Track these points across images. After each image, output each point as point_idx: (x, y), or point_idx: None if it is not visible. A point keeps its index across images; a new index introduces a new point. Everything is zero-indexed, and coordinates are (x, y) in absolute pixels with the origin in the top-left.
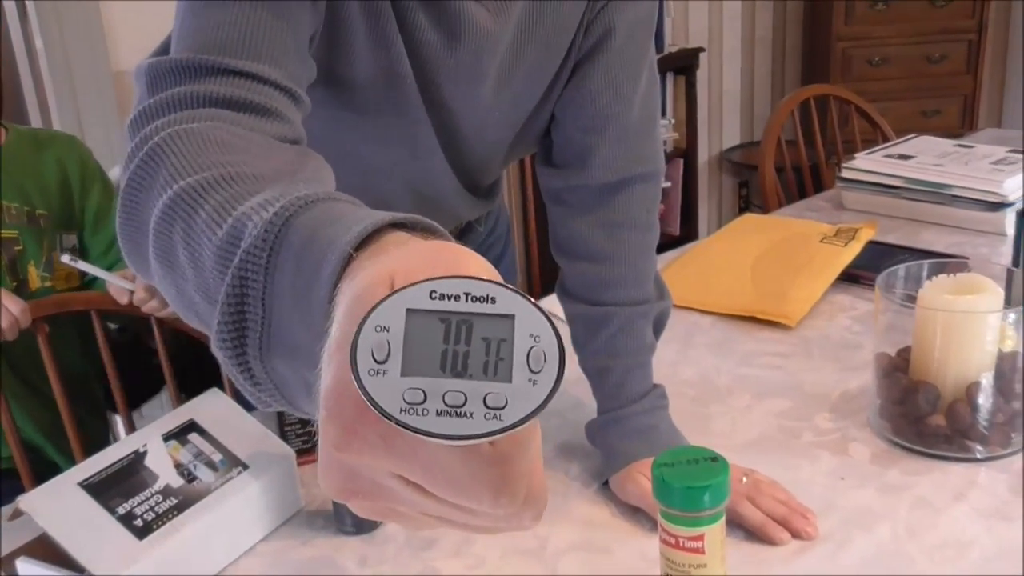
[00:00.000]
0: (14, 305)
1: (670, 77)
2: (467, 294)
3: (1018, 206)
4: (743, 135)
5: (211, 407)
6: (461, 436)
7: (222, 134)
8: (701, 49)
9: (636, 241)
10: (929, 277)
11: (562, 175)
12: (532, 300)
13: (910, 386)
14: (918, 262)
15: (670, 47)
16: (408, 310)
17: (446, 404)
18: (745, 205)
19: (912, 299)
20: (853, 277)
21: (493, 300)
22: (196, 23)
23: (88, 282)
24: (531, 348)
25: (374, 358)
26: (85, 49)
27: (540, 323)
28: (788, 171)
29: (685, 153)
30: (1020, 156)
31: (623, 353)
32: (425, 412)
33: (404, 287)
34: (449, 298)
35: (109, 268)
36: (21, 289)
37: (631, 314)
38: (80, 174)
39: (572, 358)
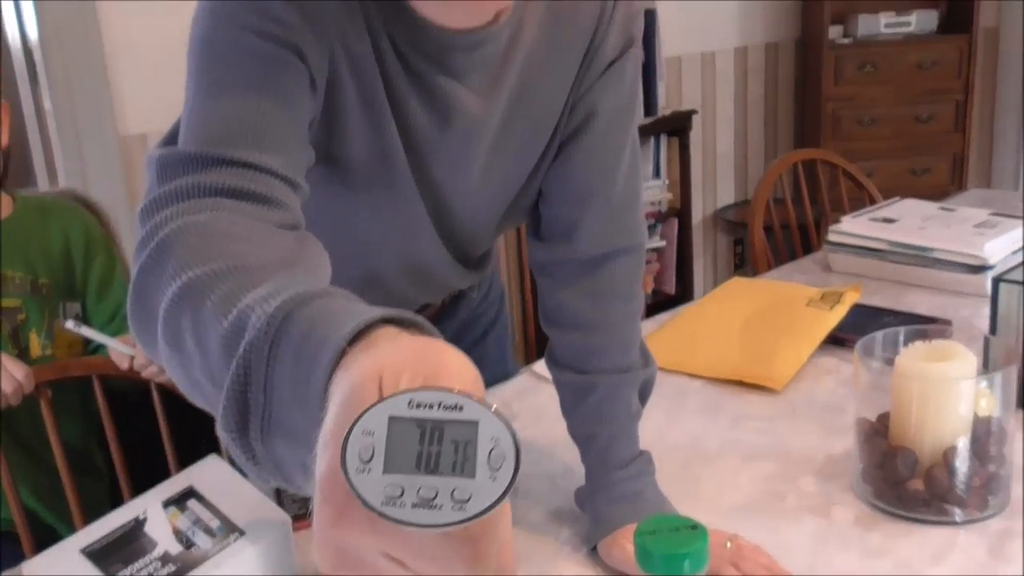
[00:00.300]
0: (18, 370)
1: (664, 139)
2: (440, 403)
3: (996, 270)
4: (737, 194)
5: (210, 473)
6: (432, 525)
7: (226, 225)
8: (694, 111)
9: (621, 311)
10: (906, 343)
11: (549, 248)
12: (494, 407)
13: (889, 451)
14: (894, 329)
15: (663, 110)
16: (390, 417)
17: (420, 497)
18: (740, 263)
19: (892, 364)
20: (839, 340)
21: (461, 408)
22: (203, 114)
23: (91, 350)
24: (492, 449)
25: (360, 459)
26: (93, 112)
27: (500, 428)
28: (777, 230)
29: (680, 213)
30: (1001, 219)
31: (609, 420)
32: (403, 504)
33: (388, 396)
34: (425, 407)
35: (113, 336)
36: (22, 357)
37: (617, 382)
38: (84, 242)
39: (561, 424)
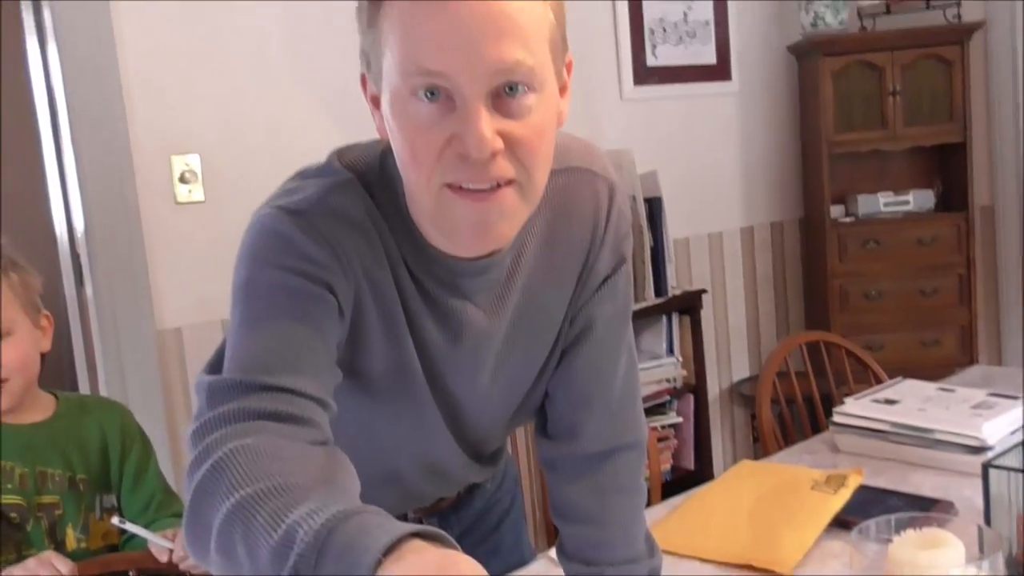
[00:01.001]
0: (64, 566)
1: (675, 317)
2: None
3: (995, 451)
4: (752, 368)
5: None
6: None
7: (269, 447)
8: (703, 291)
9: (624, 504)
10: (898, 531)
11: (555, 445)
12: None
13: None
14: (887, 516)
15: (673, 290)
16: None
17: None
18: (757, 436)
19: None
20: (844, 523)
21: None
22: (246, 345)
23: (125, 541)
24: None
25: None
26: (132, 306)
27: None
28: (783, 406)
29: (695, 389)
30: (999, 399)
31: None
32: None
33: None
34: None
35: (146, 526)
36: (58, 551)
37: (623, 572)
38: (120, 437)
39: None
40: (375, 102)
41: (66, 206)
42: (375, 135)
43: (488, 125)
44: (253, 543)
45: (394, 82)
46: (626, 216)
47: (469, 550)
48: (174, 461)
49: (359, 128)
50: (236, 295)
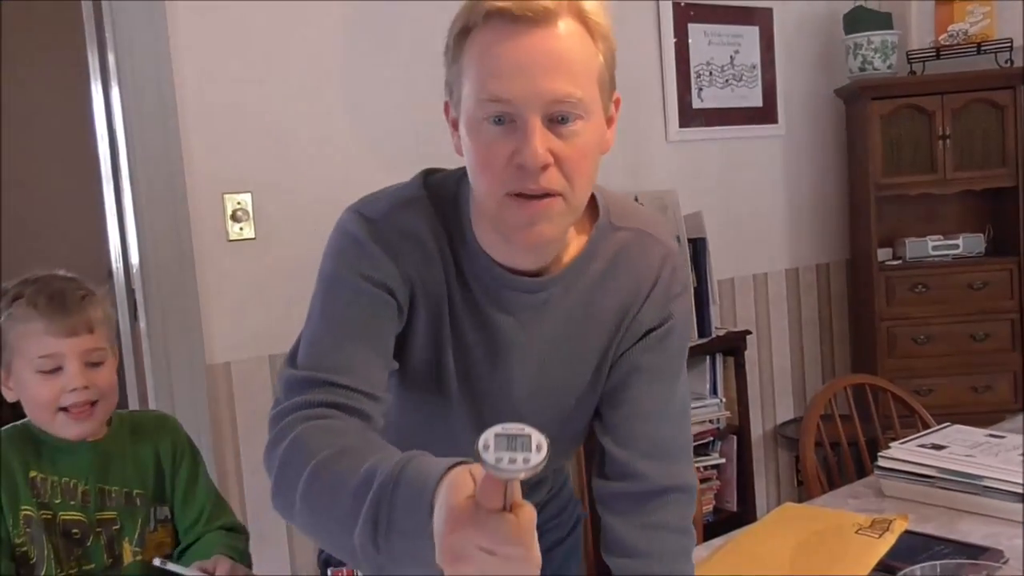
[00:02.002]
0: None
1: (719, 358)
2: (513, 429)
3: None
4: (796, 410)
5: None
6: (515, 471)
7: (335, 426)
8: (748, 332)
9: (672, 542)
10: None
11: (608, 484)
12: (534, 431)
13: None
14: (932, 563)
15: (717, 330)
16: (495, 434)
17: (509, 462)
18: (801, 479)
19: None
20: (889, 568)
21: (523, 429)
22: (318, 344)
23: (180, 552)
24: (537, 445)
25: (483, 448)
26: (184, 341)
27: (539, 437)
28: (828, 450)
29: (739, 430)
30: None
31: None
32: (500, 463)
33: (493, 428)
34: (508, 431)
35: (196, 540)
36: (115, 565)
37: None
38: (172, 451)
39: None
40: (454, 125)
41: (122, 242)
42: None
43: (541, 142)
44: (337, 488)
45: (470, 107)
46: (680, 279)
47: None
48: (221, 488)
49: (409, 168)
50: (319, 284)
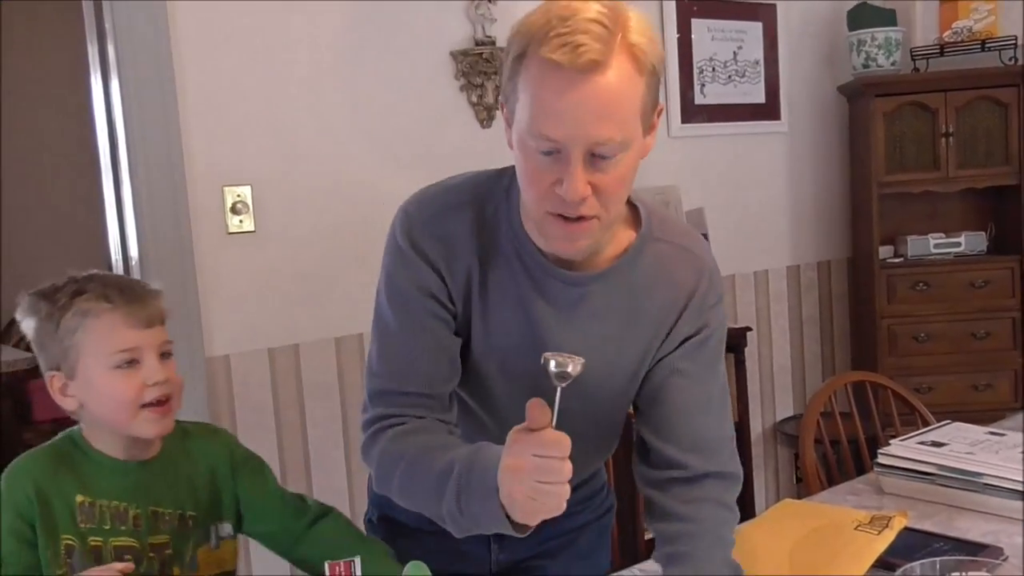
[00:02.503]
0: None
1: None
2: (564, 358)
3: None
4: (796, 407)
5: None
6: (567, 379)
7: (419, 427)
8: (748, 328)
9: (713, 512)
10: (943, 574)
11: (652, 472)
12: (573, 357)
13: None
14: (932, 560)
15: None
16: (555, 361)
17: (560, 374)
18: (800, 476)
19: None
20: (888, 565)
21: (571, 357)
22: (388, 359)
23: (295, 555)
24: (581, 364)
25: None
26: (183, 333)
27: (578, 359)
28: (827, 447)
29: (738, 427)
30: None
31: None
32: (554, 377)
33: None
34: (560, 358)
35: (304, 538)
36: None
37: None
38: (229, 465)
39: None
40: (508, 121)
41: (121, 234)
42: (423, 169)
43: (581, 179)
44: (426, 476)
45: (522, 130)
46: (716, 291)
47: (546, 534)
48: None
49: (410, 162)
50: (381, 282)
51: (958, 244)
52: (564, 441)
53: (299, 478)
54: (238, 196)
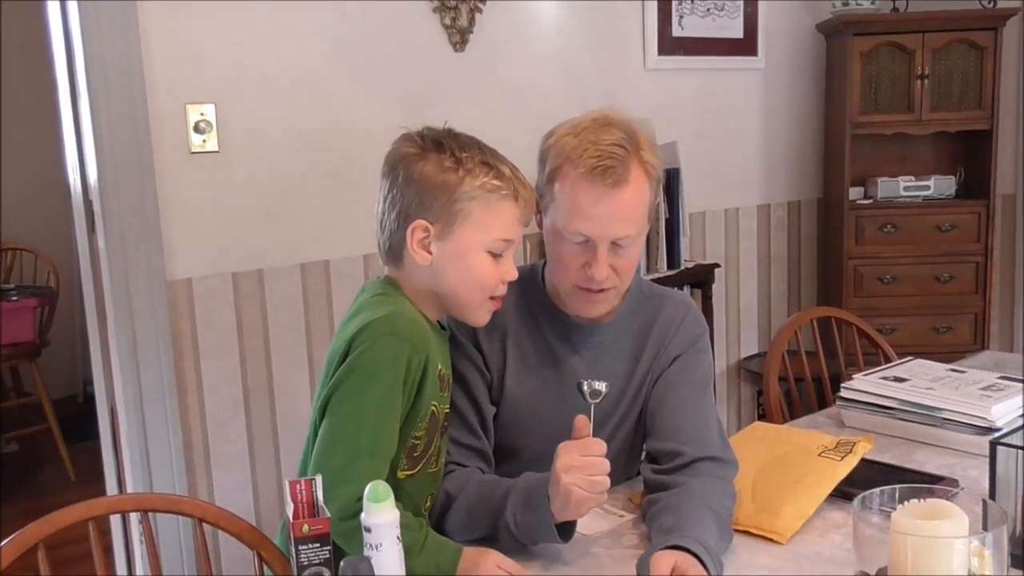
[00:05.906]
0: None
1: (687, 290)
2: (596, 385)
3: (1002, 433)
4: (760, 345)
5: None
6: (597, 400)
7: (467, 477)
8: (716, 265)
9: (707, 473)
10: (902, 501)
11: (651, 465)
12: (603, 385)
13: None
14: (892, 486)
15: (686, 262)
16: (589, 391)
17: (593, 395)
18: (762, 413)
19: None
20: (848, 495)
21: (602, 383)
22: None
23: None
24: (608, 387)
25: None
26: (144, 257)
27: (605, 383)
28: (792, 384)
29: None
30: (1009, 383)
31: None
32: (587, 401)
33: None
34: (592, 386)
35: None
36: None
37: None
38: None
39: None
40: (541, 210)
41: (80, 154)
42: (393, 91)
43: (605, 264)
44: (481, 512)
45: (559, 224)
46: (699, 320)
47: None
48: (181, 409)
49: (381, 83)
50: None
51: (927, 187)
52: (602, 444)
53: (262, 403)
54: (201, 114)
